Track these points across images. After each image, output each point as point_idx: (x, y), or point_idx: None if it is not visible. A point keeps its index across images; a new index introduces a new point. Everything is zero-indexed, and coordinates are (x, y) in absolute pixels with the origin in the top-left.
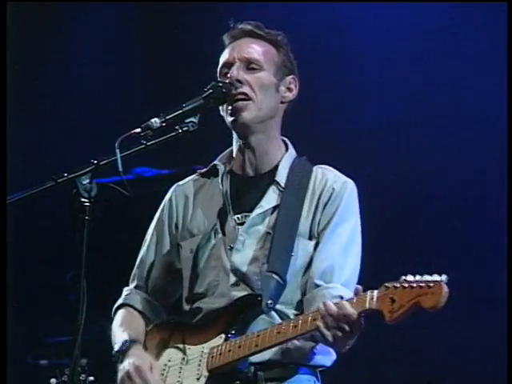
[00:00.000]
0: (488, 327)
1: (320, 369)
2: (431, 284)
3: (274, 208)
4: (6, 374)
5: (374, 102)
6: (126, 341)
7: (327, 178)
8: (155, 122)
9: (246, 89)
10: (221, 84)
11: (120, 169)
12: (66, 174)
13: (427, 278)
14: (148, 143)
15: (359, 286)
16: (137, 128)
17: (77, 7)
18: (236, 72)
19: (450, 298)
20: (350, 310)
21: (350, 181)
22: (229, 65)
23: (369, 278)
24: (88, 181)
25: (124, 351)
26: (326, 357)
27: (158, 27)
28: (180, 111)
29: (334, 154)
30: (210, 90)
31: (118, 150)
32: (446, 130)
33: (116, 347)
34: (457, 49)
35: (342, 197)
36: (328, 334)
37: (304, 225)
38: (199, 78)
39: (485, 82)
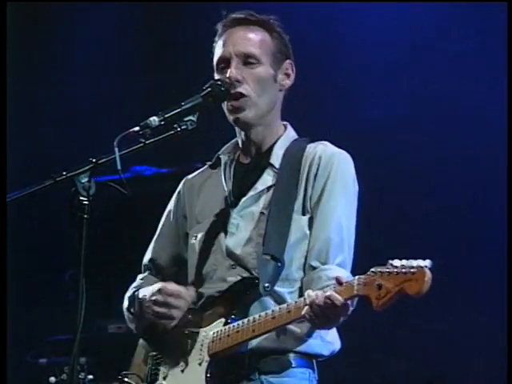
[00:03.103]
0: (488, 326)
1: (317, 359)
2: (414, 270)
3: (269, 188)
4: (6, 373)
5: (374, 102)
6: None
7: (316, 150)
8: (154, 120)
9: (242, 88)
10: (219, 82)
11: (119, 167)
12: (64, 173)
13: (412, 262)
14: (147, 142)
15: (340, 275)
16: (136, 126)
17: (77, 7)
18: (235, 71)
19: (451, 298)
20: (338, 298)
21: (340, 151)
22: (225, 60)
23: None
24: (87, 179)
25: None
26: (324, 345)
27: (159, 27)
28: (179, 110)
29: None
30: (209, 89)
31: (116, 149)
32: (445, 129)
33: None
34: (456, 49)
35: (330, 168)
36: (317, 322)
37: (298, 200)
38: (199, 77)
39: (485, 82)
